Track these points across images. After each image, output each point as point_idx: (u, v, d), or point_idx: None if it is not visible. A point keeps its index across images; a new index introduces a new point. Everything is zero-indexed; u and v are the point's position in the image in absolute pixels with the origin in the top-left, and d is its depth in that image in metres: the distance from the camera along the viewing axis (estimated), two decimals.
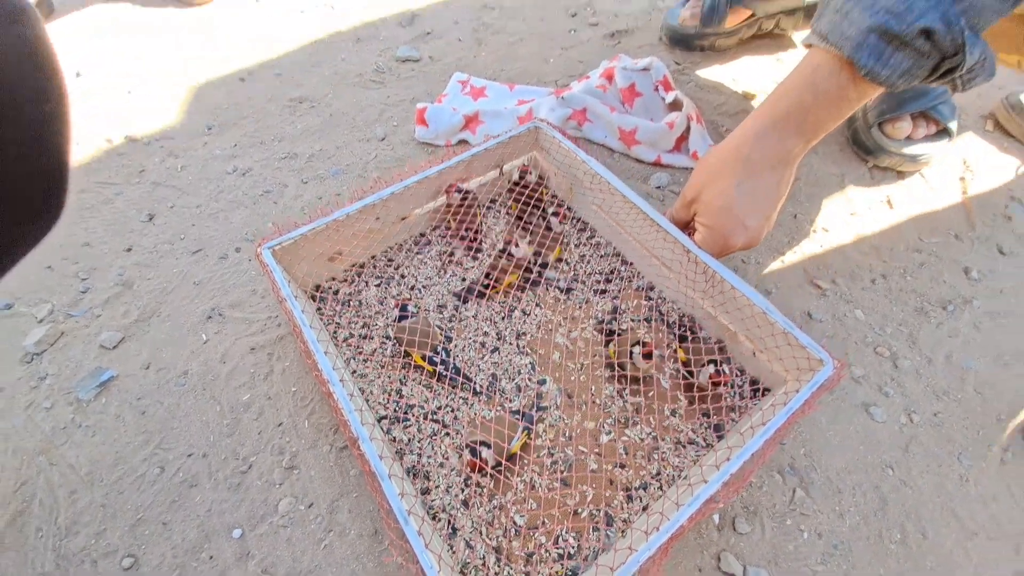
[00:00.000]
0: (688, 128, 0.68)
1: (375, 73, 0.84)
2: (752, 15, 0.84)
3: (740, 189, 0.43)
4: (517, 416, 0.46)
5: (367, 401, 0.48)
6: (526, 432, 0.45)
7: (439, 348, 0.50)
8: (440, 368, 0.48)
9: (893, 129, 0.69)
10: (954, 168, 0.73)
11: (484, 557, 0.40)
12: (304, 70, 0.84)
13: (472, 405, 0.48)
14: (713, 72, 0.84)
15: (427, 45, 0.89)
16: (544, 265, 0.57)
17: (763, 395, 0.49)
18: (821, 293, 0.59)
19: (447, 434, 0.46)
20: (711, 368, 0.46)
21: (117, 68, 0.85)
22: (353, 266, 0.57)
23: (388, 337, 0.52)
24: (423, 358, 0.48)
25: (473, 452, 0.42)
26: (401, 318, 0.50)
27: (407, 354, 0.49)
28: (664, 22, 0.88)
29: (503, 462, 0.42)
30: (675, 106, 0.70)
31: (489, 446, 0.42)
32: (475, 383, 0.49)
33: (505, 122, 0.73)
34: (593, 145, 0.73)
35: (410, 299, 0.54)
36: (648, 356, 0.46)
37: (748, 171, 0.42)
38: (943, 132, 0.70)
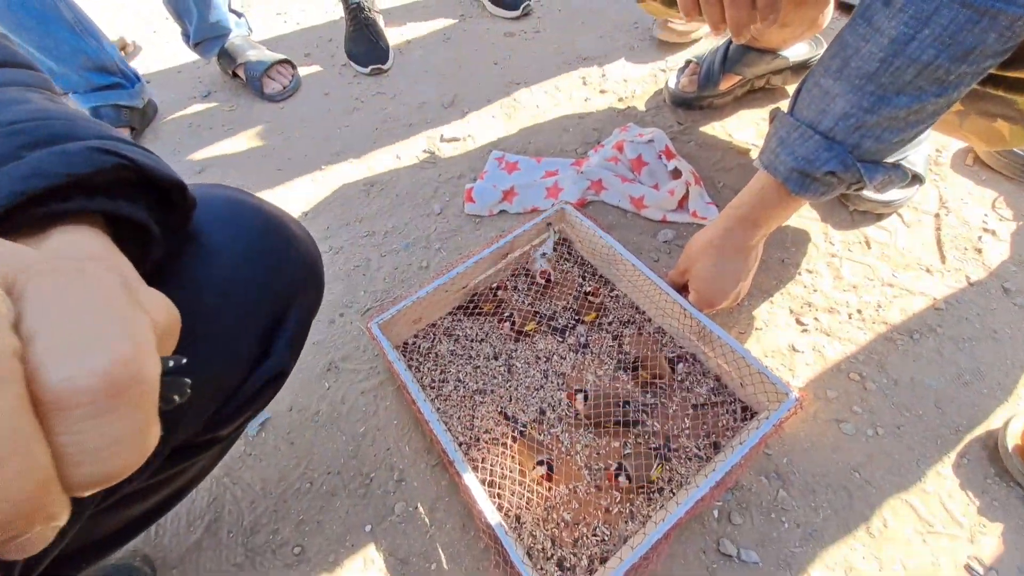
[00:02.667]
0: (687, 192, 0.83)
1: (426, 154, 1.03)
2: (742, 78, 0.97)
3: (717, 268, 0.58)
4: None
5: (449, 431, 0.66)
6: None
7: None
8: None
9: None
10: (931, 205, 0.84)
11: (543, 542, 0.57)
12: (371, 156, 1.04)
13: (528, 431, 0.65)
14: (712, 129, 0.98)
15: (467, 124, 1.07)
16: (579, 322, 0.72)
17: (751, 417, 0.63)
18: (804, 329, 0.72)
19: (511, 455, 0.63)
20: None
21: (223, 161, 1.08)
22: (428, 325, 0.75)
23: (460, 380, 0.69)
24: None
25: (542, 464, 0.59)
26: None
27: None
28: (666, 88, 1.02)
29: (554, 475, 0.59)
30: (676, 174, 0.85)
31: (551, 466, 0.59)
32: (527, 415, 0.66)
33: (536, 192, 0.89)
34: (609, 207, 0.89)
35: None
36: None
37: (722, 255, 0.57)
38: (915, 179, 0.81)
